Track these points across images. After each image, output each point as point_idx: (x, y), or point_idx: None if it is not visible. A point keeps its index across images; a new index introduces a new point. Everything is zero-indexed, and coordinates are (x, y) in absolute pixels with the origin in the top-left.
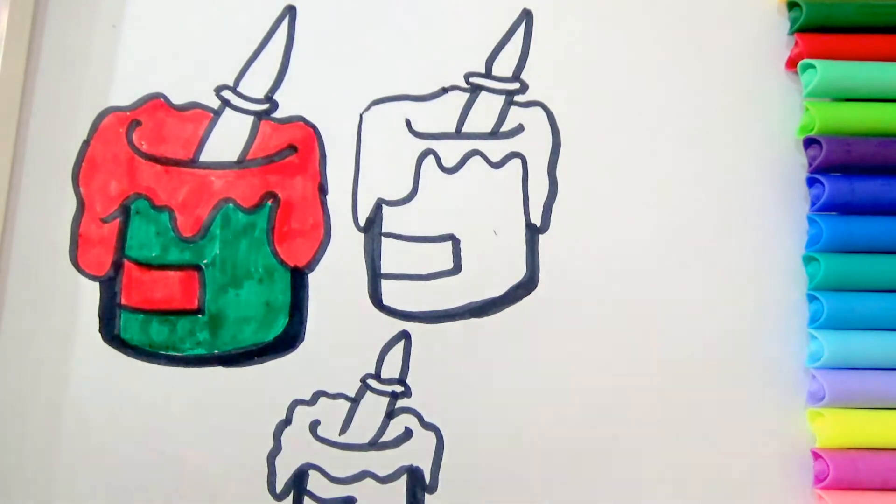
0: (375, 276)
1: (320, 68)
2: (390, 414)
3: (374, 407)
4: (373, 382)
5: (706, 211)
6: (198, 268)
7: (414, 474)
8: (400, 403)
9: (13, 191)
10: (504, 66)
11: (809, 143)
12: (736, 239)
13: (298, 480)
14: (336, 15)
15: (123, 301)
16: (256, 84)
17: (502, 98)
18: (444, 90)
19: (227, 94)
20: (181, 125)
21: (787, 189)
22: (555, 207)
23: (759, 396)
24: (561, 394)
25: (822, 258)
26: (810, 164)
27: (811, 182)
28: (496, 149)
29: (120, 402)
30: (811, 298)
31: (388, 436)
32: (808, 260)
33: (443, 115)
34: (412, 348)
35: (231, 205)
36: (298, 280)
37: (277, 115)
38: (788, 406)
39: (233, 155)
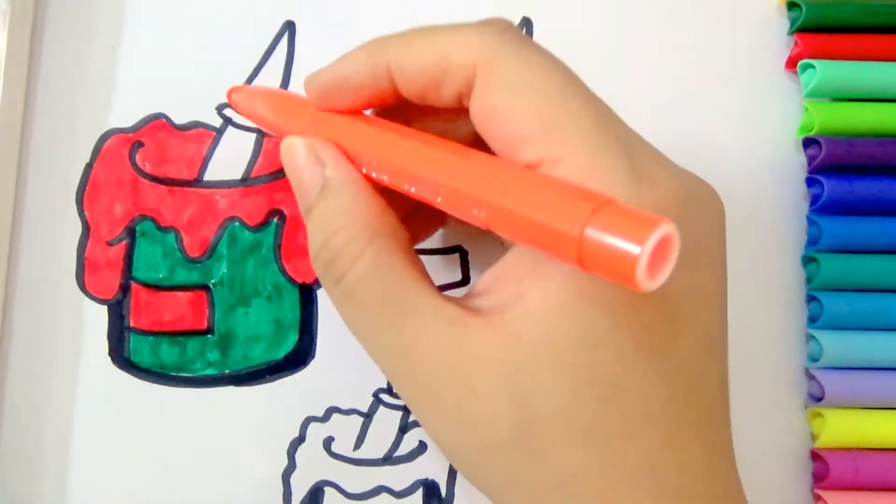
0: None
1: None
2: (404, 428)
3: (387, 421)
4: (385, 397)
5: None
6: (206, 288)
7: (430, 487)
8: (413, 417)
9: (17, 217)
10: None
11: (809, 143)
12: (735, 239)
13: (314, 498)
14: (335, 29)
15: (132, 323)
16: None
17: None
18: None
19: (229, 112)
20: (184, 145)
21: (786, 189)
22: None
23: (758, 396)
24: None
25: (821, 258)
26: (810, 164)
27: (810, 182)
28: None
29: (131, 425)
30: (810, 299)
31: (403, 450)
32: (807, 260)
33: None
34: None
35: (237, 223)
36: (307, 297)
37: None
38: (787, 406)
39: (237, 173)
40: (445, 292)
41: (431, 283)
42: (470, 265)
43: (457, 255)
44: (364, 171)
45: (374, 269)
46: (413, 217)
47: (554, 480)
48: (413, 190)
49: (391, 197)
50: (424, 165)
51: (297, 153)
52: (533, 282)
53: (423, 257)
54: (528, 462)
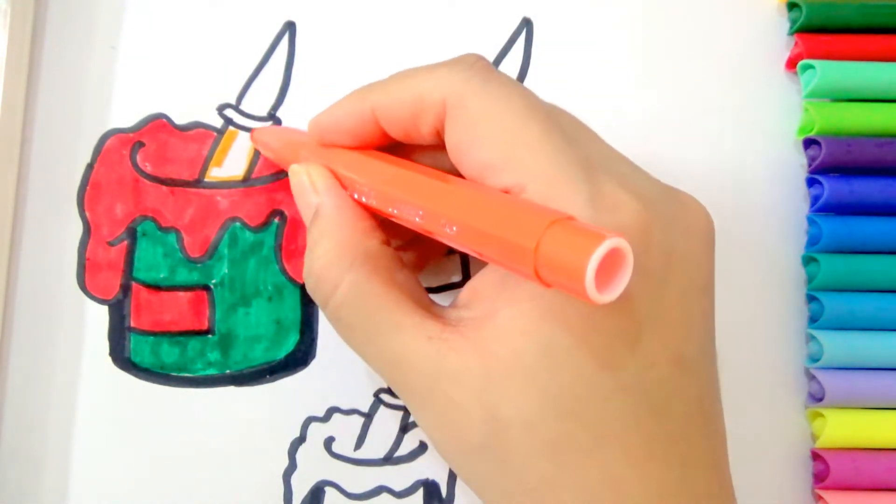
0: None
1: (322, 83)
2: (405, 428)
3: (387, 421)
4: (386, 397)
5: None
6: (207, 288)
7: (430, 487)
8: (412, 418)
9: (18, 217)
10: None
11: (809, 143)
12: (735, 239)
13: (315, 498)
14: (336, 29)
15: (133, 324)
16: (259, 101)
17: None
18: None
19: (229, 112)
20: (185, 145)
21: (786, 189)
22: None
23: (758, 396)
24: None
25: (821, 258)
26: (810, 165)
27: (811, 182)
28: None
29: (132, 425)
30: (810, 299)
31: (403, 450)
32: (807, 260)
33: None
34: None
35: (238, 224)
36: (308, 297)
37: None
38: (788, 406)
39: (238, 174)
40: (445, 292)
41: (417, 298)
42: (470, 265)
43: (457, 255)
44: (356, 196)
45: (354, 293)
46: (416, 243)
47: (523, 486)
48: (395, 212)
49: (393, 224)
50: (404, 188)
51: (295, 178)
52: (504, 300)
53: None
54: (498, 467)
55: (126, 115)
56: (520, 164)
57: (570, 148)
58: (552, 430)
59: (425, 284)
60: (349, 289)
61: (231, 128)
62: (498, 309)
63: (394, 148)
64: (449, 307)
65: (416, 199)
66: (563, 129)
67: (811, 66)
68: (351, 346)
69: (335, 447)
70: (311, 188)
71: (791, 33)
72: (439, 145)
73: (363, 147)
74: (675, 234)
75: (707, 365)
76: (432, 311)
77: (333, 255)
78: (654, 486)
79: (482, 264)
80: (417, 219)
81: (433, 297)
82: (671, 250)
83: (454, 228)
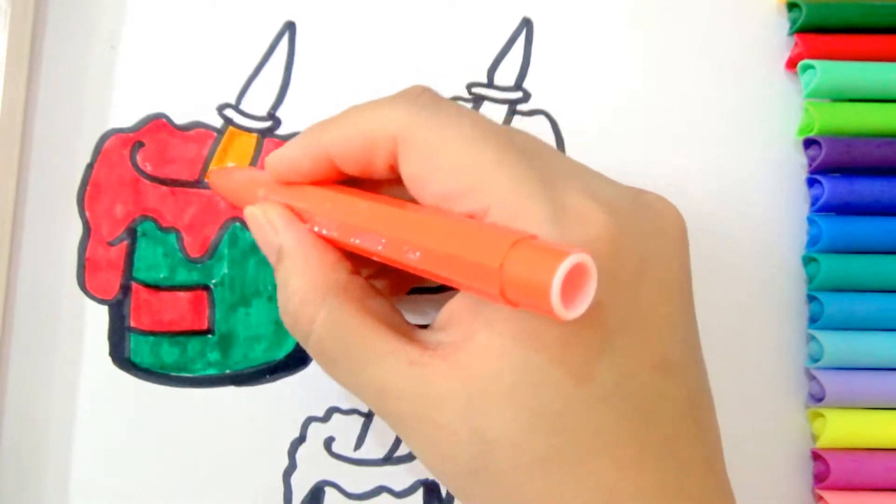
0: None
1: (321, 83)
2: None
3: None
4: None
5: (706, 211)
6: (206, 288)
7: (430, 487)
8: None
9: (18, 217)
10: (506, 75)
11: (809, 143)
12: (735, 239)
13: (315, 498)
14: (335, 29)
15: (133, 324)
16: (259, 101)
17: (505, 107)
18: None
19: (229, 112)
20: (185, 145)
21: (786, 189)
22: None
23: (759, 397)
24: None
25: (821, 259)
26: (810, 165)
27: (811, 182)
28: None
29: (132, 425)
30: (810, 299)
31: (403, 450)
32: (807, 260)
33: None
34: None
35: (238, 224)
36: None
37: (280, 131)
38: (788, 406)
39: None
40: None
41: (395, 324)
42: None
43: None
44: (316, 229)
45: (330, 327)
46: (388, 270)
47: None
48: (358, 242)
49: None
50: (364, 218)
51: (255, 221)
52: (480, 323)
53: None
54: (491, 488)
55: (126, 115)
56: (479, 189)
57: (529, 165)
58: (540, 446)
59: (415, 286)
60: (325, 322)
61: (231, 128)
62: (474, 332)
63: (351, 183)
64: (427, 331)
65: (377, 226)
66: (519, 148)
67: (811, 66)
68: (338, 380)
69: (335, 447)
70: (269, 228)
71: (791, 33)
72: (396, 179)
73: (321, 183)
74: (645, 238)
75: (692, 365)
76: (411, 336)
77: (305, 291)
78: (649, 491)
79: None
80: (380, 247)
81: (425, 297)
82: (643, 255)
83: (417, 254)
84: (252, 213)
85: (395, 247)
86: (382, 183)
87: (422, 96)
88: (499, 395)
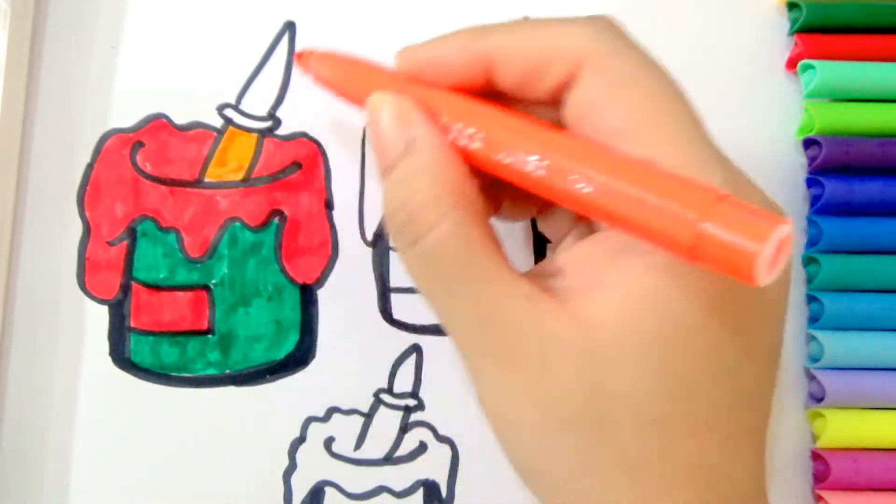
0: (385, 291)
1: None
2: (404, 428)
3: (387, 421)
4: (386, 397)
5: None
6: (206, 288)
7: (430, 488)
8: (414, 417)
9: (18, 217)
10: None
11: (809, 143)
12: None
13: (315, 498)
14: (335, 29)
15: (132, 324)
16: (259, 101)
17: None
18: None
19: (229, 112)
20: (185, 145)
21: (786, 189)
22: None
23: None
24: None
25: (821, 259)
26: (810, 165)
27: (811, 183)
28: None
29: (132, 425)
30: (810, 299)
31: (403, 450)
32: (807, 260)
33: None
34: (424, 361)
35: (238, 224)
36: (308, 297)
37: (281, 132)
38: (788, 407)
39: (238, 174)
40: None
41: (506, 257)
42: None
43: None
44: (451, 139)
45: (455, 234)
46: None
47: (620, 463)
48: (508, 161)
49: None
50: (526, 136)
51: (384, 109)
52: (614, 272)
53: None
54: (596, 442)
55: (126, 115)
56: (657, 137)
57: (705, 133)
58: (659, 409)
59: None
60: (448, 229)
61: (231, 128)
62: (608, 281)
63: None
64: (534, 274)
65: (540, 148)
66: (697, 112)
67: (811, 67)
68: (429, 294)
69: (335, 447)
70: (399, 119)
71: (791, 33)
72: (546, 103)
73: (458, 90)
74: None
75: (778, 369)
76: (523, 274)
77: (435, 192)
78: (735, 476)
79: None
80: (540, 171)
81: None
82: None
83: (588, 187)
84: (381, 100)
85: (560, 173)
86: (523, 106)
87: (615, 26)
88: (627, 351)
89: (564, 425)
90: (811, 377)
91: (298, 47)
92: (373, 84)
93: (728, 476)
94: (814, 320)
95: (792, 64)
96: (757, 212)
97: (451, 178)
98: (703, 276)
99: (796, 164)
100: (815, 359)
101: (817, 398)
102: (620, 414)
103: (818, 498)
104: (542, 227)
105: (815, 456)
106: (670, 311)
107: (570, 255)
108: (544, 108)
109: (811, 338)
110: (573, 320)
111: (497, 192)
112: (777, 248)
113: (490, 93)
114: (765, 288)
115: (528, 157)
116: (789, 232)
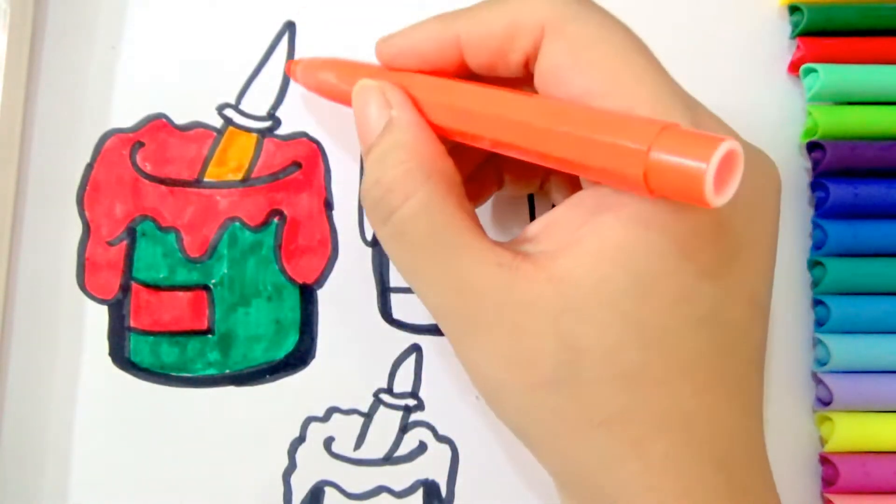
0: (385, 291)
1: None
2: (404, 428)
3: (387, 421)
4: (385, 397)
5: None
6: (206, 288)
7: (430, 487)
8: (413, 417)
9: (18, 217)
10: None
11: (813, 147)
12: None
13: (315, 498)
14: (335, 29)
15: (132, 324)
16: (258, 101)
17: None
18: None
19: (229, 112)
20: (184, 145)
21: (790, 193)
22: None
23: (767, 401)
24: None
25: (827, 262)
26: (814, 169)
27: (815, 186)
28: None
29: (132, 425)
30: (816, 303)
31: (403, 450)
32: (812, 264)
33: None
34: (424, 361)
35: (237, 223)
36: (307, 297)
37: (280, 131)
38: (795, 410)
39: (237, 174)
40: None
41: (482, 228)
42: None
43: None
44: (431, 120)
45: (426, 206)
46: (471, 181)
47: (593, 419)
48: (478, 132)
49: (454, 158)
50: (493, 105)
51: (366, 94)
52: (587, 230)
53: None
54: (567, 400)
55: (126, 115)
56: (624, 91)
57: (670, 82)
58: (630, 359)
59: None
60: (423, 201)
61: (231, 128)
62: (580, 238)
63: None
64: (510, 243)
65: (508, 112)
66: (660, 63)
67: (814, 70)
68: (404, 267)
69: (335, 447)
70: (383, 102)
71: (793, 37)
72: (519, 79)
73: (433, 74)
74: (757, 172)
75: (768, 313)
76: (497, 242)
77: (410, 165)
78: (719, 425)
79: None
80: (509, 137)
81: None
82: (755, 187)
83: (539, 138)
84: (366, 85)
85: (527, 134)
86: (498, 83)
87: None
88: (599, 303)
89: (542, 386)
90: (818, 381)
91: (298, 47)
92: (357, 79)
93: (707, 421)
94: (820, 324)
95: (794, 67)
96: (700, 135)
97: (424, 153)
98: (674, 223)
99: (800, 168)
100: (822, 363)
101: (825, 402)
102: (592, 369)
103: (827, 502)
104: (553, 200)
105: (824, 460)
106: (642, 260)
107: (546, 219)
108: (524, 84)
109: (818, 341)
110: (546, 281)
111: (497, 167)
112: (727, 167)
113: (471, 74)
114: (743, 230)
115: (499, 123)
116: (736, 149)
